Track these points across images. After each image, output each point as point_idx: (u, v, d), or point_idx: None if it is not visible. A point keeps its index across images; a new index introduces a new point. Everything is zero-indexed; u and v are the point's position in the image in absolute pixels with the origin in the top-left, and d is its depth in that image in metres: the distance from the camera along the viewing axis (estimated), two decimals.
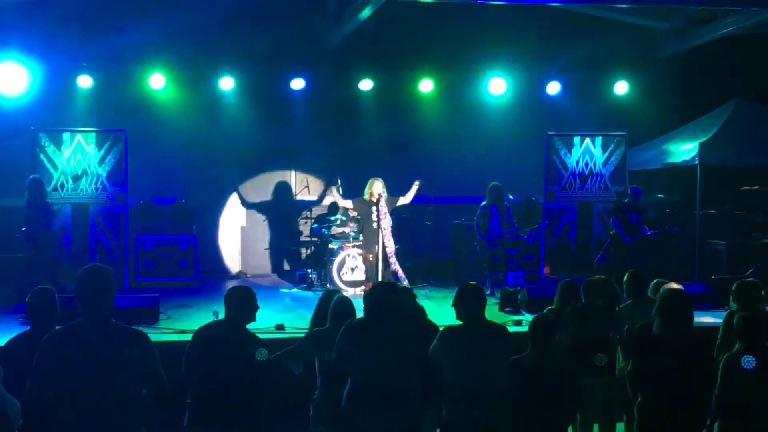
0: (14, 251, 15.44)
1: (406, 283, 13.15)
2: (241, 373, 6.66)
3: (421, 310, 8.26)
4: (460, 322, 7.11)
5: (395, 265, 13.34)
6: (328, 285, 14.59)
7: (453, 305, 7.18)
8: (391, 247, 13.31)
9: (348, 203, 13.90)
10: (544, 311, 8.75)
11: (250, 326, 7.15)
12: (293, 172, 18.66)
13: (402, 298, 7.35)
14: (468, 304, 7.07)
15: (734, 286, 8.87)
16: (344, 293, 8.83)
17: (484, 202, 14.96)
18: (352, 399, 6.79)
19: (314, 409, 7.61)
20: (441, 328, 7.33)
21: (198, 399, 6.75)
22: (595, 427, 8.84)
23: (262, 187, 18.50)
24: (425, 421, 7.63)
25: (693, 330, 7.28)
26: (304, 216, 18.09)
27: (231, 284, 16.71)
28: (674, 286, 8.15)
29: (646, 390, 6.68)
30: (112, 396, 5.33)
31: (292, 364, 7.57)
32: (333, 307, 7.73)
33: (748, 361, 6.66)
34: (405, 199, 13.72)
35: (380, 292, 7.05)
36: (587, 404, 7.93)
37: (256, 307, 7.06)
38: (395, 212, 13.87)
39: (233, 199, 18.41)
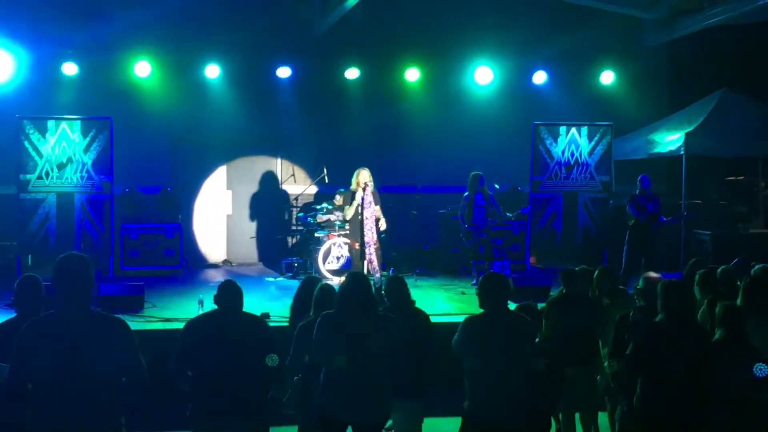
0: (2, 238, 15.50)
1: (378, 275, 13.16)
2: (245, 359, 6.63)
3: (407, 298, 8.21)
4: (482, 311, 7.04)
5: (371, 256, 13.30)
6: (313, 273, 14.56)
7: (477, 294, 7.16)
8: (369, 237, 13.28)
9: (350, 211, 13.83)
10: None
11: None
12: (279, 161, 18.65)
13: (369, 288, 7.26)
14: (490, 294, 6.99)
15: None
16: (329, 282, 8.83)
17: (467, 193, 14.94)
18: (324, 391, 6.81)
19: (293, 392, 7.58)
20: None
21: (202, 389, 6.67)
22: (577, 415, 8.88)
23: (248, 176, 18.46)
24: (409, 411, 7.70)
25: (696, 320, 7.28)
26: (290, 205, 18.04)
27: (216, 272, 16.91)
28: (652, 275, 8.18)
29: (647, 378, 6.67)
30: (91, 385, 5.28)
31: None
32: (317, 296, 7.70)
33: (761, 369, 6.61)
34: (381, 226, 13.73)
35: (350, 283, 7.03)
36: (568, 393, 7.95)
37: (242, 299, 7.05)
38: (382, 201, 13.88)
39: (219, 188, 18.38)
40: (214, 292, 7.04)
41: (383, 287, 8.21)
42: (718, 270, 9.06)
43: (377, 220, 13.72)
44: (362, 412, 6.74)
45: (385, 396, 6.89)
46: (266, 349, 6.76)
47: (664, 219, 14.85)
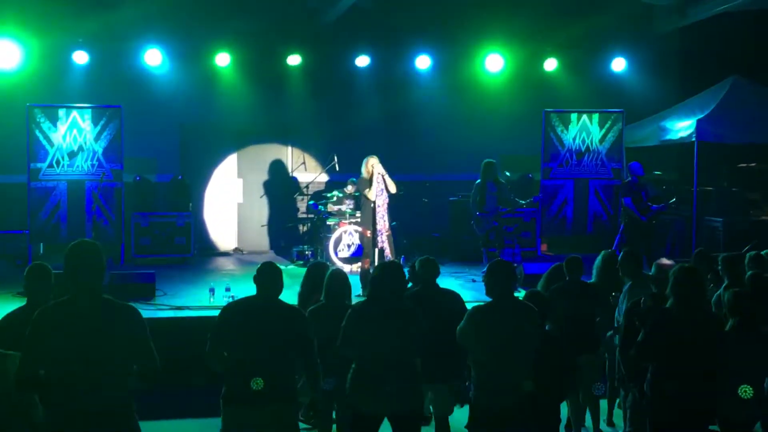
0: (12, 227, 15.52)
1: None
2: (279, 349, 6.55)
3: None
4: (489, 300, 7.03)
5: (383, 244, 13.25)
6: (324, 261, 14.51)
7: (483, 282, 7.15)
8: (381, 225, 13.25)
9: (371, 193, 13.64)
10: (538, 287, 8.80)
11: None
12: (290, 149, 18.64)
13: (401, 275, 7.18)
14: (497, 282, 6.96)
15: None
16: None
17: (479, 180, 14.91)
18: (356, 383, 6.76)
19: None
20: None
21: (235, 375, 6.60)
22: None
23: (259, 164, 18.47)
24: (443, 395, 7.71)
25: (707, 307, 7.24)
26: (301, 193, 18.03)
27: (227, 260, 16.95)
28: (665, 262, 8.14)
29: (658, 364, 6.65)
30: (103, 372, 5.30)
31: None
32: (328, 281, 7.69)
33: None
34: (391, 189, 13.62)
35: (382, 274, 6.97)
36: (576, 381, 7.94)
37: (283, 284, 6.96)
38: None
39: (230, 176, 18.39)
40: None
41: (416, 268, 8.16)
42: (748, 255, 9.12)
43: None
44: (396, 402, 6.66)
45: (415, 383, 6.81)
46: (301, 341, 6.68)
47: (656, 207, 14.84)
